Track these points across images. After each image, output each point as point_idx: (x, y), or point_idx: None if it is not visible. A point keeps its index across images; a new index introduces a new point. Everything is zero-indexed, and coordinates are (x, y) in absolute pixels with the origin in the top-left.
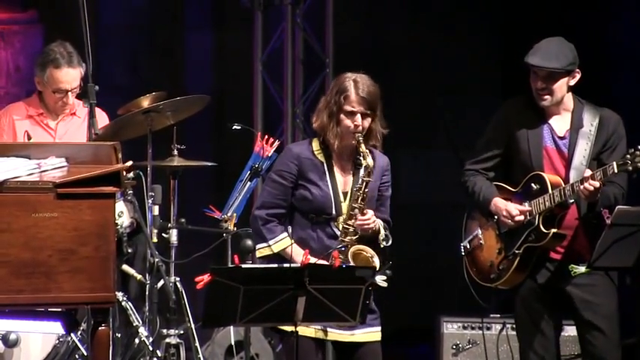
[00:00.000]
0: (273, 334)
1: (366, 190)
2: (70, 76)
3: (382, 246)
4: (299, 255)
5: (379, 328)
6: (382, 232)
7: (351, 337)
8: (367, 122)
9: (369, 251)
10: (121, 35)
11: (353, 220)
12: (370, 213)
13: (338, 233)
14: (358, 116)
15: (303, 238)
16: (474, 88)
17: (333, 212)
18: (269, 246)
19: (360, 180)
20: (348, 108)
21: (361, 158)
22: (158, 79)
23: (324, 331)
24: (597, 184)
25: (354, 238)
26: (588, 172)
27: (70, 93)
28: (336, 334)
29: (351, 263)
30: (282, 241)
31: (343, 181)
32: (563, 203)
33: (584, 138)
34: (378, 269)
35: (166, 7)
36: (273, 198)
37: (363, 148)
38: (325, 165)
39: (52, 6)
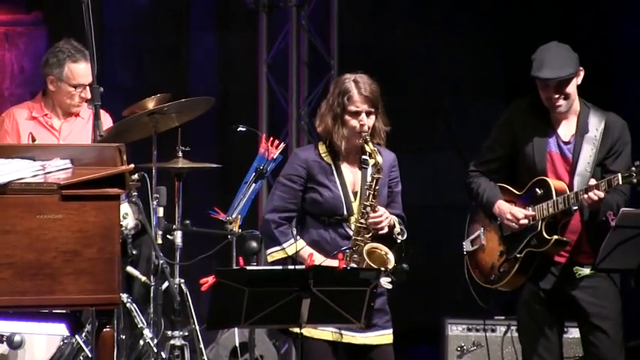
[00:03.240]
0: (279, 335)
1: (377, 187)
2: (88, 69)
3: (398, 241)
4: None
5: (391, 331)
6: (397, 226)
7: (365, 340)
8: (371, 120)
9: (383, 248)
10: (125, 37)
11: (365, 219)
12: (382, 210)
13: (351, 233)
14: (363, 115)
15: (317, 241)
16: (477, 90)
17: (345, 213)
18: (283, 249)
19: (370, 177)
20: (352, 108)
21: (368, 157)
22: (163, 81)
23: (339, 334)
24: (602, 194)
25: (368, 236)
26: (593, 182)
27: (87, 87)
28: (350, 337)
29: (366, 261)
30: (296, 243)
31: (352, 181)
32: (566, 210)
33: (589, 143)
34: (393, 266)
35: (171, 9)
36: (283, 202)
37: (370, 146)
38: (333, 167)
39: (57, 8)
